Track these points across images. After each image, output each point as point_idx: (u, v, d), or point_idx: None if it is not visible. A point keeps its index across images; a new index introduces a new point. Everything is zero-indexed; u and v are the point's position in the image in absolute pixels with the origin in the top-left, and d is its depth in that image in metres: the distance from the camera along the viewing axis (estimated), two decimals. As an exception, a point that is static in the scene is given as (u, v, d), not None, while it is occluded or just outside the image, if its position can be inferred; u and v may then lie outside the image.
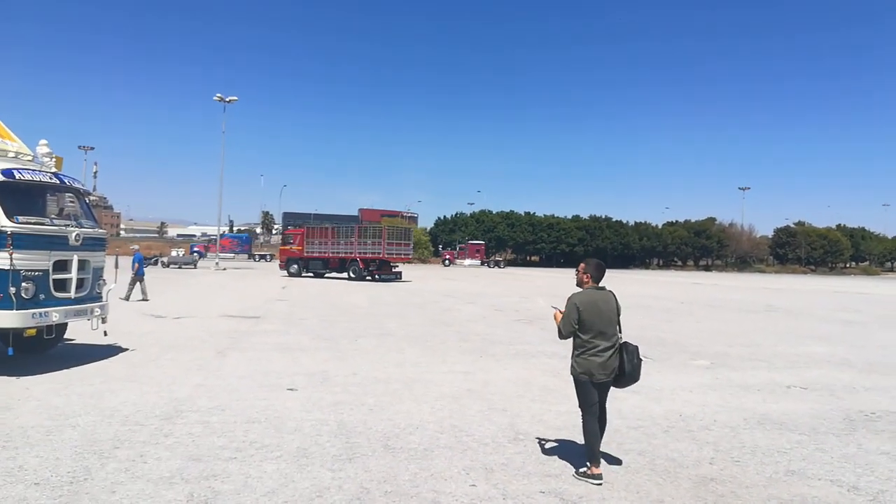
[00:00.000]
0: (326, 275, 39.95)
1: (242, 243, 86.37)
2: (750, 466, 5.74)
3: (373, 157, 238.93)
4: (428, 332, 14.75)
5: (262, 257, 73.67)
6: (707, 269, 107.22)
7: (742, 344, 14.08)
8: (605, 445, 6.15)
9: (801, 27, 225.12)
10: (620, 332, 5.55)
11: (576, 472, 5.38)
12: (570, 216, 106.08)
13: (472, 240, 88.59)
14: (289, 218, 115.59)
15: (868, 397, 8.83)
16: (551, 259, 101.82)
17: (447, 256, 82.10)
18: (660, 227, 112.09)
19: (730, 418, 7.45)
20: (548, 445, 6.19)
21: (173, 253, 56.18)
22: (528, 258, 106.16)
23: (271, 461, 5.50)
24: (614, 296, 5.60)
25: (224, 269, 51.21)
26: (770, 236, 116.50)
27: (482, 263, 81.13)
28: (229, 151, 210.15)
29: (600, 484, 5.17)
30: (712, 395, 8.73)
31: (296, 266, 40.47)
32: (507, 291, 31.85)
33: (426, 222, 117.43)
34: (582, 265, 5.66)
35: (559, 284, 39.50)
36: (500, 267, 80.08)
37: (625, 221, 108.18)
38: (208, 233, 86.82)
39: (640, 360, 5.57)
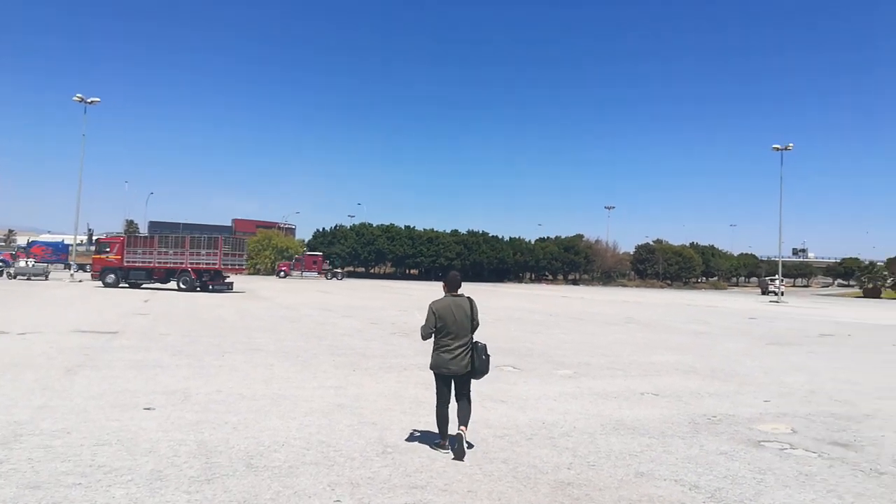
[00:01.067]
0: (144, 285, 39.47)
1: (57, 251, 76.68)
2: (604, 470, 6.07)
3: (250, 165, 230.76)
4: (300, 346, 14.43)
5: (81, 267, 63.35)
6: (575, 283, 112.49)
7: (603, 354, 14.89)
8: (472, 455, 6.31)
9: (654, 53, 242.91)
10: (473, 333, 6.51)
11: (432, 444, 6.52)
12: (449, 230, 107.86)
13: (309, 251, 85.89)
14: (155, 227, 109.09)
15: (711, 402, 9.60)
16: (430, 272, 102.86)
17: (282, 269, 78.27)
18: (533, 242, 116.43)
19: (588, 425, 7.85)
20: (416, 458, 6.23)
21: (21, 263, 51.22)
22: (407, 271, 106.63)
23: (120, 486, 5.15)
24: (471, 302, 6.54)
25: (80, 280, 47.47)
26: (632, 253, 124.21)
27: (320, 274, 78.80)
28: (94, 156, 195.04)
29: (448, 452, 6.29)
30: (574, 403, 9.16)
31: (112, 276, 38.98)
32: (386, 305, 31.82)
33: (304, 234, 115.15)
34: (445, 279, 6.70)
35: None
36: (338, 279, 77.99)
37: (500, 237, 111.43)
38: (66, 241, 78.33)
39: (488, 356, 6.53)
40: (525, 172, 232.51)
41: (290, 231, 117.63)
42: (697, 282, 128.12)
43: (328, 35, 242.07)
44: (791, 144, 60.02)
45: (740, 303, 53.98)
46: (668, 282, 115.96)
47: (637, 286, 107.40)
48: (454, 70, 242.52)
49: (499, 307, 33.05)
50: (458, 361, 6.30)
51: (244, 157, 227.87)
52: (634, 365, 13.29)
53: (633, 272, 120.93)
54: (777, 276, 71.58)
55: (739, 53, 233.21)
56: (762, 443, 7.23)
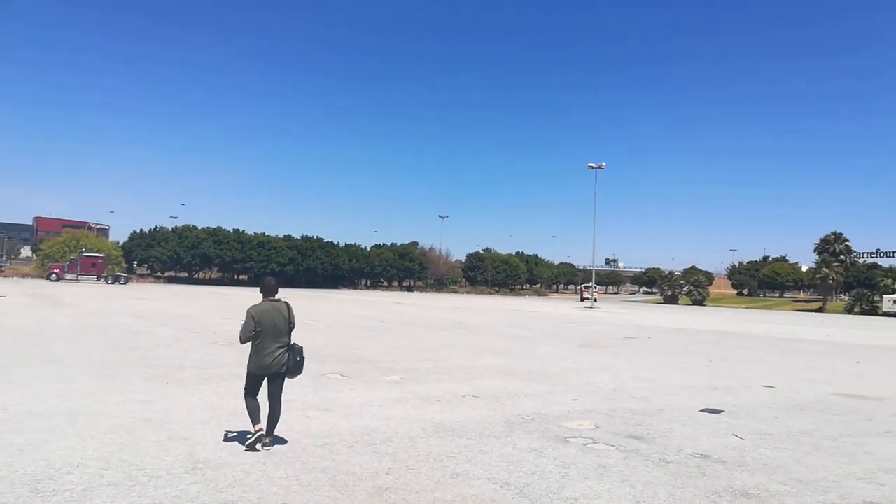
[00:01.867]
0: None
1: None
2: (422, 473, 6.18)
3: (52, 159, 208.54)
4: (107, 357, 13.25)
5: None
6: (410, 289, 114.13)
7: (431, 359, 15.21)
8: (290, 466, 6.15)
9: (492, 67, 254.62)
10: (290, 335, 6.86)
11: (246, 445, 6.61)
12: (282, 235, 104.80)
13: (86, 252, 77.52)
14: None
15: (526, 402, 10.15)
16: (261, 278, 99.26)
17: (55, 270, 68.71)
18: (369, 249, 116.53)
19: (410, 429, 7.96)
20: (229, 472, 5.94)
21: None
22: (235, 277, 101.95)
23: None
24: (288, 306, 6.91)
25: None
26: (463, 261, 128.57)
27: (99, 278, 71.28)
28: None
29: (262, 432, 6.61)
30: (398, 408, 9.25)
31: None
32: (208, 312, 30.17)
33: (120, 236, 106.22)
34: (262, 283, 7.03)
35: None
36: (120, 283, 71.24)
37: (336, 243, 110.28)
38: None
39: (303, 358, 6.89)
40: (361, 178, 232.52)
41: (103, 232, 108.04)
42: (522, 289, 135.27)
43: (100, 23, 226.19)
44: (603, 164, 65.52)
45: (559, 308, 57.77)
46: (496, 289, 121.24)
47: (468, 293, 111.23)
48: (289, 73, 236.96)
49: (332, 314, 32.65)
50: (277, 361, 6.68)
51: (46, 148, 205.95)
52: (460, 369, 13.72)
53: (464, 279, 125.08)
54: (591, 284, 77.71)
55: (558, 73, 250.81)
56: (568, 439, 7.76)
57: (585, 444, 7.53)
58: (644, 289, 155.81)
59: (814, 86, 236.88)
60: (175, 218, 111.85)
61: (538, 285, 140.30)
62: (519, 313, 43.46)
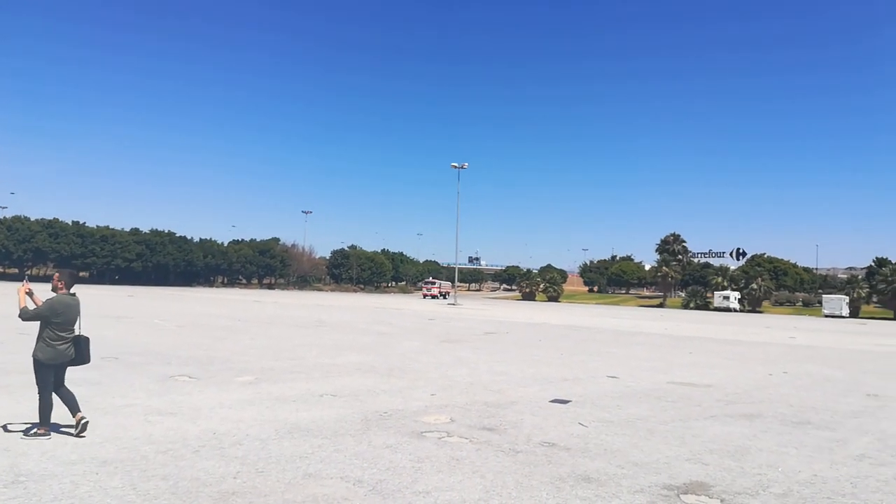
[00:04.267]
0: None
1: None
2: (272, 475, 5.97)
3: None
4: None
5: None
6: (270, 287, 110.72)
7: (288, 358, 14.81)
8: (127, 475, 5.72)
9: (360, 68, 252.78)
10: (80, 328, 7.26)
11: (25, 433, 6.95)
12: (128, 228, 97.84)
13: None
14: None
15: (385, 399, 10.13)
16: (104, 275, 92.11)
17: None
18: (226, 244, 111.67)
19: (262, 431, 7.68)
20: (56, 484, 5.42)
21: None
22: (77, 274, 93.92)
23: None
24: (78, 301, 7.23)
25: None
26: (328, 258, 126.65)
27: None
28: None
29: (49, 437, 6.82)
30: (250, 409, 8.90)
31: None
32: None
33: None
34: (56, 275, 7.23)
35: (107, 304, 36.04)
36: None
37: (189, 237, 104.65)
38: None
39: (89, 350, 7.34)
40: (219, 170, 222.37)
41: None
42: (388, 286, 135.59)
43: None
44: (466, 164, 67.11)
45: (423, 305, 58.45)
46: (362, 286, 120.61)
47: (332, 290, 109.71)
48: (128, 56, 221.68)
49: (184, 313, 30.94)
50: (67, 352, 7.07)
51: None
52: (318, 367, 13.45)
53: (328, 277, 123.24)
54: (430, 280, 79.24)
55: (421, 80, 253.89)
56: (424, 433, 7.83)
57: (440, 438, 7.63)
58: (504, 286, 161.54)
59: (646, 94, 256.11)
60: (4, 208, 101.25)
61: (403, 283, 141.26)
62: (383, 310, 43.48)
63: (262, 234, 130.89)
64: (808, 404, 11.36)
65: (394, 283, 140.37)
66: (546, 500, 5.56)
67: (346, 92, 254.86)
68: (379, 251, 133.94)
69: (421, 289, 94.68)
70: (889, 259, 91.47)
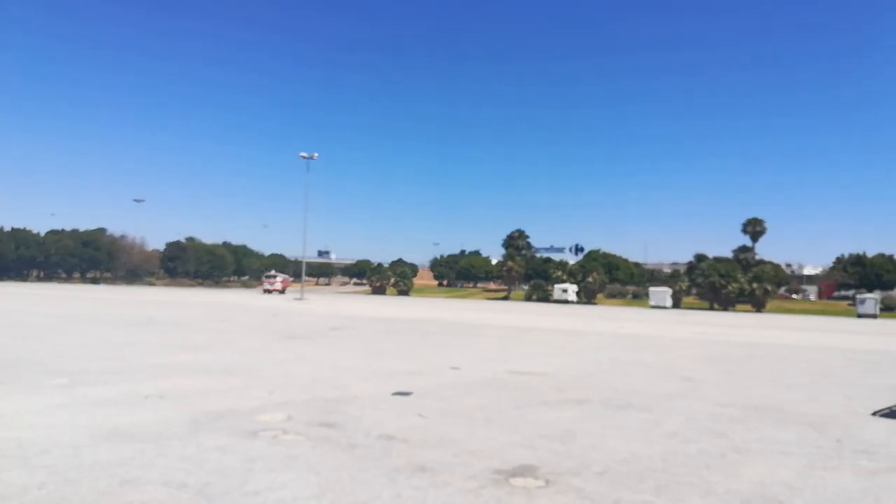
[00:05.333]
0: None
1: None
2: (84, 484, 5.43)
3: None
4: None
5: None
6: (95, 281, 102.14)
7: (110, 358, 13.67)
8: None
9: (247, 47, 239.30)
10: None
11: None
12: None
13: None
14: None
15: (217, 399, 9.61)
16: None
17: None
18: (43, 235, 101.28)
19: (76, 437, 6.97)
20: None
21: None
22: None
23: None
24: None
25: None
26: (162, 250, 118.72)
27: None
28: None
29: None
30: (63, 414, 8.07)
31: None
32: None
33: None
34: None
35: None
36: None
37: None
38: None
39: None
40: (34, 151, 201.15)
41: None
42: (230, 280, 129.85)
43: None
44: (316, 154, 65.91)
45: (268, 301, 56.61)
46: (200, 281, 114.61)
47: (167, 285, 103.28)
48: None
49: (-11, 310, 27.64)
50: None
51: None
52: (144, 368, 12.51)
53: (162, 270, 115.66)
54: (272, 273, 77.68)
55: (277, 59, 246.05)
56: (258, 433, 7.51)
57: (275, 437, 7.35)
58: (355, 280, 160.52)
59: (490, 92, 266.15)
60: None
61: (247, 277, 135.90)
62: (223, 306, 41.56)
63: (86, 224, 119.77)
64: (631, 388, 12.28)
65: (236, 277, 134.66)
66: (380, 492, 5.52)
67: (184, 67, 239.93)
68: (220, 243, 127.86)
69: (263, 283, 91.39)
70: (707, 255, 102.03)
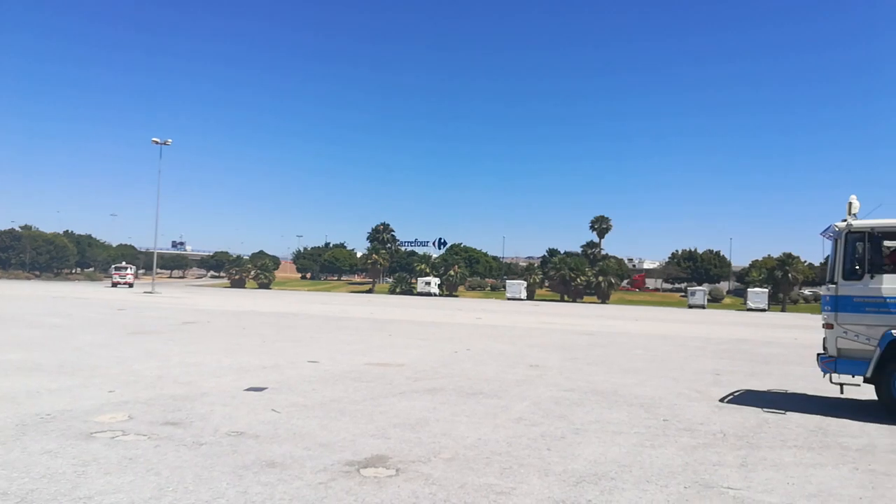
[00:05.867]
0: None
1: None
2: None
3: None
4: None
5: None
6: None
7: (-77, 358, 12.21)
8: None
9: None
10: None
11: None
12: None
13: None
14: None
15: (49, 399, 8.91)
16: None
17: None
18: None
19: None
20: None
21: None
22: None
23: None
24: None
25: None
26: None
27: None
28: None
29: None
30: None
31: None
32: None
33: None
34: None
35: None
36: None
37: None
38: None
39: None
40: None
41: None
42: (72, 272, 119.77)
43: None
44: (170, 140, 62.21)
45: (114, 294, 52.83)
46: (37, 273, 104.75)
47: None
48: None
49: None
50: None
51: None
52: (-36, 368, 11.33)
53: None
54: (123, 265, 73.51)
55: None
56: (94, 434, 7.06)
57: (114, 438, 6.95)
58: (212, 272, 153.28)
59: (360, 85, 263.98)
60: None
61: (92, 269, 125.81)
62: (63, 300, 38.32)
63: None
64: (483, 376, 12.78)
65: (79, 269, 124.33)
66: (225, 490, 5.41)
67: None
68: (61, 232, 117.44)
69: (112, 275, 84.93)
70: (558, 250, 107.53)
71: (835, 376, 10.35)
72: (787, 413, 10.10)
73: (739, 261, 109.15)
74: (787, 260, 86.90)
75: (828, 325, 10.30)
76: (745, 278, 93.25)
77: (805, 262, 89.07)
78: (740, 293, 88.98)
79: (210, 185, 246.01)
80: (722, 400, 11.18)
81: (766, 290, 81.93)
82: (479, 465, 6.50)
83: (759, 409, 10.31)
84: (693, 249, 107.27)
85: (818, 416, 9.90)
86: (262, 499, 5.23)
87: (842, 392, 10.65)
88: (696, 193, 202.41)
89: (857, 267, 10.02)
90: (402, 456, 6.69)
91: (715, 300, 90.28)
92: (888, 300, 9.68)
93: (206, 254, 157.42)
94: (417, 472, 6.17)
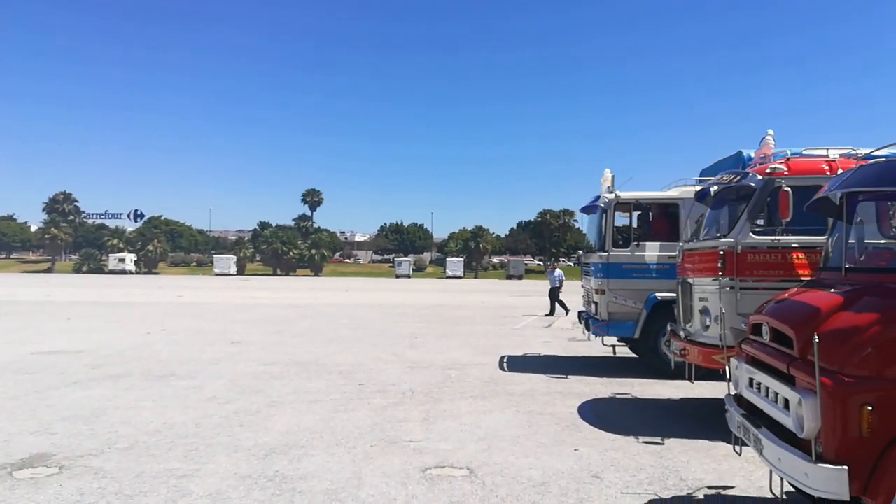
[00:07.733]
0: None
1: None
2: None
3: None
4: None
5: None
6: None
7: None
8: None
9: None
10: None
11: None
12: None
13: None
14: None
15: None
16: None
17: None
18: None
19: None
20: None
21: None
22: None
23: None
24: None
25: None
26: None
27: None
28: None
29: None
30: None
31: None
32: None
33: None
34: None
35: None
36: None
37: None
38: None
39: None
40: None
41: None
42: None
43: None
44: None
45: None
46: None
47: None
48: None
49: None
50: None
51: None
52: None
53: None
54: None
55: None
56: None
57: None
58: None
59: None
60: None
61: None
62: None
63: None
64: (178, 357, 11.99)
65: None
66: None
67: None
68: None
69: None
70: (270, 223, 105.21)
71: (607, 339, 11.41)
72: (465, 369, 11.26)
73: (441, 233, 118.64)
74: (479, 232, 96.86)
75: (600, 291, 10.97)
76: (444, 249, 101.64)
77: (493, 234, 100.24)
78: (441, 262, 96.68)
79: None
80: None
81: (462, 259, 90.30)
82: (160, 450, 6.09)
83: (443, 370, 11.31)
84: (399, 223, 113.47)
85: (493, 369, 11.22)
86: None
87: (614, 353, 11.84)
88: (402, 167, 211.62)
89: (624, 236, 10.93)
90: (68, 452, 5.97)
91: (419, 270, 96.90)
92: (651, 266, 10.68)
93: None
94: (86, 466, 5.56)
